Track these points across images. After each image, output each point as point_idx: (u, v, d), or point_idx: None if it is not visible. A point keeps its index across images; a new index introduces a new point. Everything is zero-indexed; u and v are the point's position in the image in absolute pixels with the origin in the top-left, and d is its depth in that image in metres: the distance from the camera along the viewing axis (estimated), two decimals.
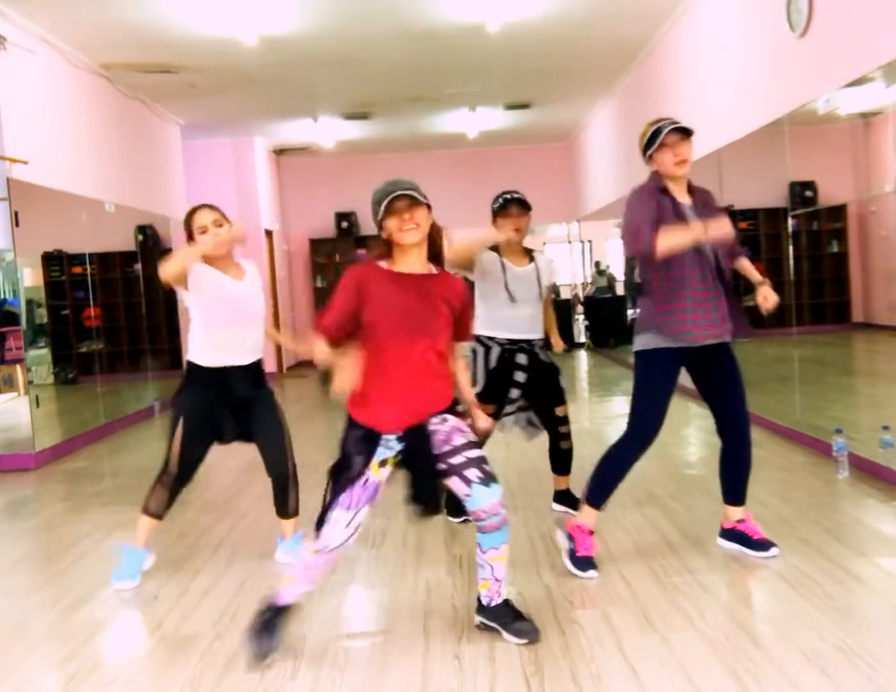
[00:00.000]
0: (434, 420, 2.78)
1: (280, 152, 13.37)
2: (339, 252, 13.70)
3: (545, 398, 4.13)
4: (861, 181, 5.36)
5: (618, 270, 13.08)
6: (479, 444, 2.86)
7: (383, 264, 2.78)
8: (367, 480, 2.73)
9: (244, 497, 5.01)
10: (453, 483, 2.77)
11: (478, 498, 2.73)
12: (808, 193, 5.68)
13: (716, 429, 3.54)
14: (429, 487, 2.79)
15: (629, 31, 7.94)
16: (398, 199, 2.69)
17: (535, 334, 4.10)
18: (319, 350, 2.69)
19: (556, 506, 4.31)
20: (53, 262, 7.52)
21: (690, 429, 6.48)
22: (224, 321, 3.51)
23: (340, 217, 13.59)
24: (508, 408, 4.09)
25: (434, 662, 2.73)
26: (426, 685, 2.59)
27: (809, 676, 2.48)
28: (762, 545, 3.47)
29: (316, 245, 13.78)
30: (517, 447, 5.27)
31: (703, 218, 3.29)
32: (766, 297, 3.42)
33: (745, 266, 3.58)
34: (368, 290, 2.72)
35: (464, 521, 4.02)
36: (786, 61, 5.53)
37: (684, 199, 3.40)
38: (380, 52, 8.18)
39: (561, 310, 12.23)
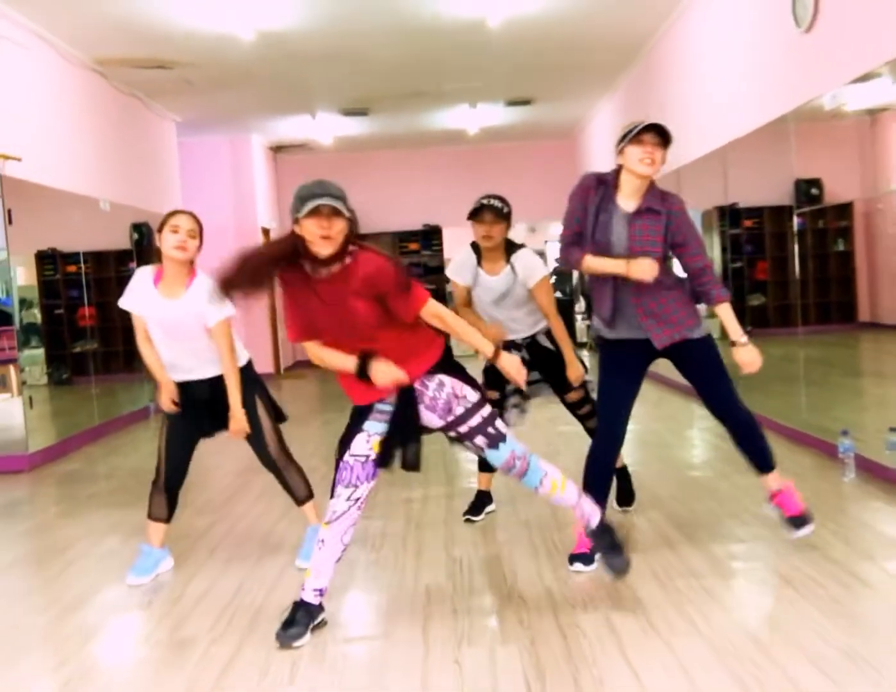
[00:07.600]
0: (431, 385, 2.92)
1: (277, 149, 13.31)
2: None
3: (556, 387, 4.11)
4: (868, 178, 5.31)
5: None
6: (481, 404, 2.95)
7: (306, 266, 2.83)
8: (367, 458, 2.89)
9: (241, 499, 4.95)
10: (469, 447, 3.01)
11: (492, 459, 3.00)
12: (814, 191, 5.63)
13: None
14: (405, 439, 2.93)
15: (632, 26, 7.89)
16: (321, 206, 2.80)
17: (526, 332, 4.07)
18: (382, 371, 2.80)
19: None
20: (47, 260, 7.42)
21: (694, 431, 6.45)
22: (157, 340, 3.60)
23: None
24: (511, 399, 4.10)
25: (434, 667, 2.69)
26: (426, 690, 2.55)
27: (815, 682, 2.43)
28: (792, 523, 3.46)
29: None
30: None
31: (637, 231, 3.26)
32: (745, 362, 3.33)
33: (725, 315, 3.37)
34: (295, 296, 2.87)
35: (468, 520, 4.15)
36: (791, 57, 5.48)
37: (626, 203, 3.31)
38: (379, 47, 8.12)
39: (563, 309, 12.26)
